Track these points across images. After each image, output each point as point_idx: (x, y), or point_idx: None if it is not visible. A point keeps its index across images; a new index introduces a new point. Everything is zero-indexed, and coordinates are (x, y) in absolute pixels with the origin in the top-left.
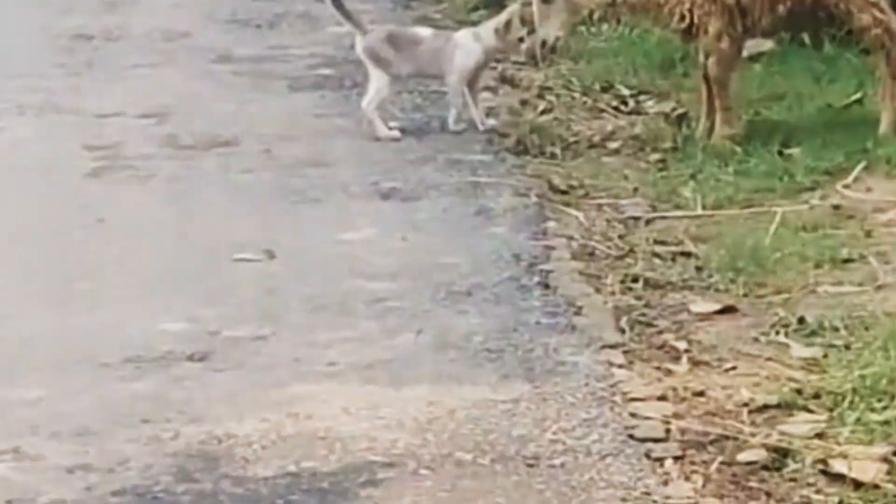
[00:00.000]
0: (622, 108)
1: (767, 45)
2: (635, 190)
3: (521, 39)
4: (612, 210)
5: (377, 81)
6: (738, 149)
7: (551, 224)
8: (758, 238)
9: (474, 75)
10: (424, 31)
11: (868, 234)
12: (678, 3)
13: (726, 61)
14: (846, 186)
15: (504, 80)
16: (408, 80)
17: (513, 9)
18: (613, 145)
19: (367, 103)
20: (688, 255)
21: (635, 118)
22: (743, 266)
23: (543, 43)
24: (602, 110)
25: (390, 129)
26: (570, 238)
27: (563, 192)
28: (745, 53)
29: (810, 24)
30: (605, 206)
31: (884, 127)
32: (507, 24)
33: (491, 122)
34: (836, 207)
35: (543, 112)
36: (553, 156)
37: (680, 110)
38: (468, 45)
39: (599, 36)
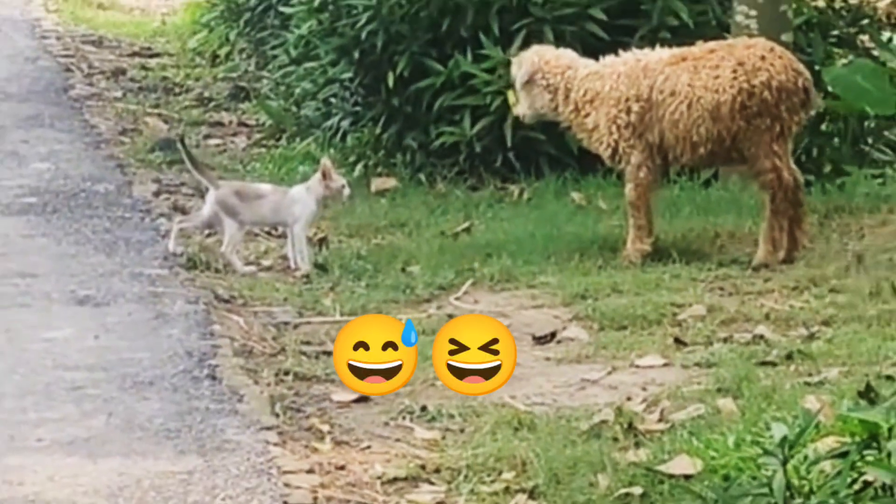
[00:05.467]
0: (273, 231)
1: (391, 182)
2: (285, 300)
3: (342, 186)
4: (267, 316)
5: (229, 228)
6: (370, 266)
7: (217, 327)
8: None
9: (313, 221)
10: (266, 187)
11: None
12: (608, 133)
13: (643, 188)
14: (458, 299)
15: (176, 208)
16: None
17: (324, 160)
18: (266, 263)
19: (224, 246)
20: (329, 353)
21: (284, 241)
22: None
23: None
24: (256, 234)
25: (247, 265)
26: (233, 339)
27: (226, 301)
28: (373, 188)
29: (725, 161)
30: (260, 313)
31: (759, 258)
32: (325, 173)
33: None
34: (450, 316)
35: (209, 235)
36: (217, 271)
37: (321, 234)
38: (303, 197)
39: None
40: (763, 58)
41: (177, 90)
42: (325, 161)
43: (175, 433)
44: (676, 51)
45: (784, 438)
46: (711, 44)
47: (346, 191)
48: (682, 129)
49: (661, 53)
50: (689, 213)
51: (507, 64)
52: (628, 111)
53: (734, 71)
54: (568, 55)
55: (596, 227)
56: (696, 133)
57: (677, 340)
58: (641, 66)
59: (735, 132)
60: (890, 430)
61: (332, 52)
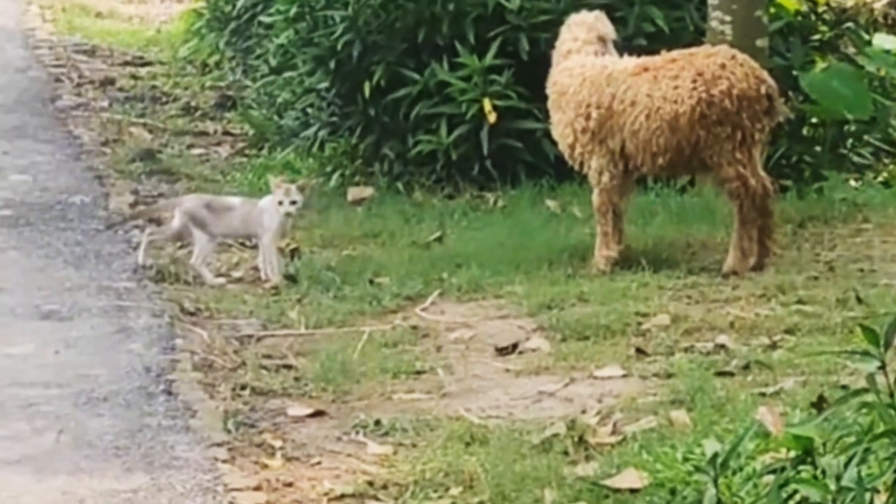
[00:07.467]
0: (247, 242)
1: (368, 192)
2: (251, 312)
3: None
4: (231, 329)
5: (199, 241)
6: (338, 277)
7: (179, 340)
8: (347, 353)
9: (282, 232)
10: (235, 200)
11: (438, 349)
12: (563, 135)
13: (607, 194)
14: (424, 310)
15: (151, 220)
16: (224, 239)
17: (270, 178)
18: (237, 274)
19: (194, 259)
20: (289, 367)
21: (257, 252)
22: (333, 376)
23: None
24: (230, 245)
25: (217, 276)
26: (193, 353)
27: (192, 314)
28: (349, 198)
29: (688, 170)
30: (224, 326)
31: (728, 265)
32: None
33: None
34: (415, 328)
35: (182, 246)
36: (187, 283)
37: (293, 245)
38: (271, 208)
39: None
40: (723, 66)
41: (164, 99)
42: (272, 178)
43: (124, 450)
44: (640, 60)
45: (715, 455)
46: (673, 53)
47: (287, 207)
48: (641, 139)
49: (627, 63)
50: (663, 221)
51: (483, 72)
52: (588, 117)
53: (693, 81)
54: (580, 42)
55: (568, 235)
56: (655, 143)
57: (639, 350)
58: (606, 73)
59: (695, 142)
60: (824, 444)
61: (310, 61)
